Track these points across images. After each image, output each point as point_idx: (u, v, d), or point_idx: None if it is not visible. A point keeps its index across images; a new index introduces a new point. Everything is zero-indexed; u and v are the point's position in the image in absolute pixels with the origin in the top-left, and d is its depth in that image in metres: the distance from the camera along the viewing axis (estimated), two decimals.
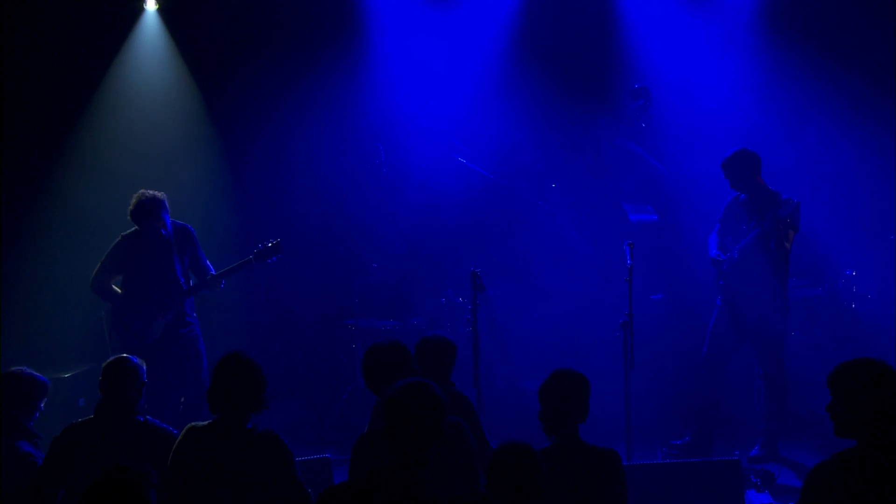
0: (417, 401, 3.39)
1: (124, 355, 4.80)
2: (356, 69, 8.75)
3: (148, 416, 4.70)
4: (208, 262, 6.89)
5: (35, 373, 5.11)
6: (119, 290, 6.70)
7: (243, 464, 4.13)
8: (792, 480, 6.42)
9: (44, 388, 5.09)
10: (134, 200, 6.55)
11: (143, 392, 4.73)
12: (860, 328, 7.84)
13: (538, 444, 3.90)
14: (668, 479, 5.51)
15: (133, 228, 6.69)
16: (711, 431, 7.09)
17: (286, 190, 8.75)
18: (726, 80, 8.63)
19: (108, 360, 4.74)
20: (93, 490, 3.21)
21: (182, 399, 6.65)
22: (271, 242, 6.77)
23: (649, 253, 7.77)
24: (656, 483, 5.47)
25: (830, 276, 8.18)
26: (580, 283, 8.25)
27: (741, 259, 6.89)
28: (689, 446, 7.07)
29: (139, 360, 4.79)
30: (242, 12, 8.61)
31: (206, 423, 4.27)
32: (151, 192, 6.57)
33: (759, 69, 8.57)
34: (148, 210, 6.51)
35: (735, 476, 5.55)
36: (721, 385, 7.12)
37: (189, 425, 4.30)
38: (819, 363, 7.55)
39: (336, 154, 8.86)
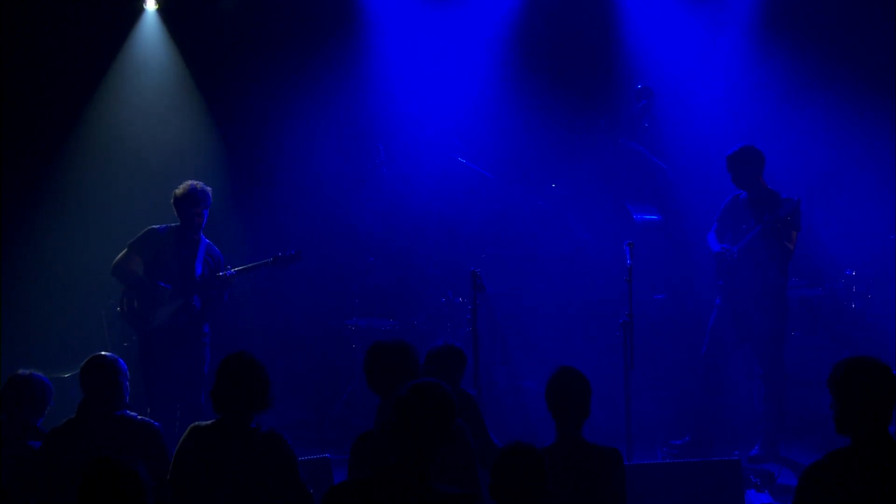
0: (428, 401, 3.40)
1: (101, 352, 4.81)
2: (356, 69, 8.76)
3: (126, 411, 4.69)
4: None
5: (42, 375, 5.15)
6: (139, 274, 6.72)
7: (245, 463, 4.13)
8: (792, 480, 6.40)
9: (51, 390, 5.17)
10: (183, 186, 6.63)
11: (125, 386, 4.72)
12: (860, 328, 7.84)
13: (539, 443, 3.90)
14: (668, 479, 5.51)
15: (166, 224, 6.74)
16: (711, 431, 7.09)
17: (286, 190, 8.74)
18: (727, 79, 8.64)
19: (86, 359, 4.76)
20: (88, 478, 3.26)
21: (178, 405, 6.66)
22: (292, 252, 6.84)
23: (652, 253, 7.78)
24: (656, 483, 5.47)
25: (830, 276, 8.18)
26: (581, 283, 8.25)
27: (741, 258, 6.89)
28: (689, 446, 7.07)
29: (115, 356, 4.79)
30: (242, 12, 8.61)
31: (209, 422, 4.27)
32: (201, 183, 6.68)
33: (760, 69, 8.58)
34: (194, 198, 6.61)
35: (735, 476, 5.55)
36: (721, 385, 7.12)
37: (192, 425, 4.30)
38: (819, 363, 7.54)
39: (336, 154, 8.86)
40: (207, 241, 6.81)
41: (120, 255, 6.73)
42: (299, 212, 8.69)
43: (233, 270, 6.74)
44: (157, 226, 6.76)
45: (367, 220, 8.62)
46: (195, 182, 6.67)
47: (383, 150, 8.33)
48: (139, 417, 4.70)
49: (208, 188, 6.71)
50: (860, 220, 8.36)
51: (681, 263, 8.22)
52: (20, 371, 5.14)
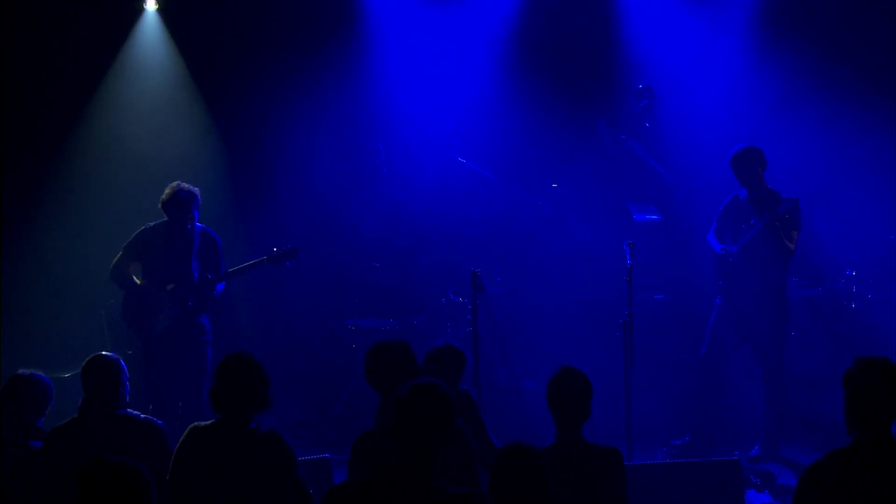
0: (427, 401, 3.39)
1: (102, 352, 4.82)
2: (356, 69, 8.76)
3: (128, 410, 4.69)
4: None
5: (42, 375, 5.16)
6: (137, 280, 6.72)
7: (245, 463, 4.13)
8: (792, 480, 6.39)
9: (51, 390, 5.18)
10: (169, 191, 6.58)
11: (126, 385, 4.73)
12: (860, 328, 7.84)
13: (539, 443, 3.90)
14: (668, 479, 5.51)
15: (157, 221, 6.73)
16: (711, 431, 7.09)
17: (287, 190, 8.75)
18: (727, 79, 8.64)
19: (87, 359, 4.77)
20: (88, 478, 3.24)
21: (180, 404, 6.66)
22: (288, 247, 6.78)
23: (652, 253, 7.78)
24: (656, 483, 5.47)
25: (830, 276, 8.18)
26: (581, 283, 8.25)
27: (741, 257, 6.91)
28: (689, 446, 7.08)
29: (116, 356, 4.80)
30: (242, 12, 8.61)
31: (208, 422, 4.27)
32: (187, 185, 6.62)
33: (760, 69, 8.58)
34: (182, 203, 6.56)
35: (735, 476, 5.55)
36: (721, 385, 7.13)
37: (192, 425, 4.30)
38: (819, 363, 7.55)
39: (336, 154, 8.86)
40: (201, 226, 6.75)
41: (116, 259, 6.73)
42: (299, 212, 8.69)
43: (210, 275, 6.71)
44: (150, 223, 6.75)
45: (367, 219, 8.61)
46: (181, 185, 6.59)
47: (383, 150, 8.32)
48: (142, 416, 4.69)
49: (195, 189, 6.64)
50: (860, 220, 8.36)
51: (681, 263, 8.22)
52: (20, 371, 5.15)
